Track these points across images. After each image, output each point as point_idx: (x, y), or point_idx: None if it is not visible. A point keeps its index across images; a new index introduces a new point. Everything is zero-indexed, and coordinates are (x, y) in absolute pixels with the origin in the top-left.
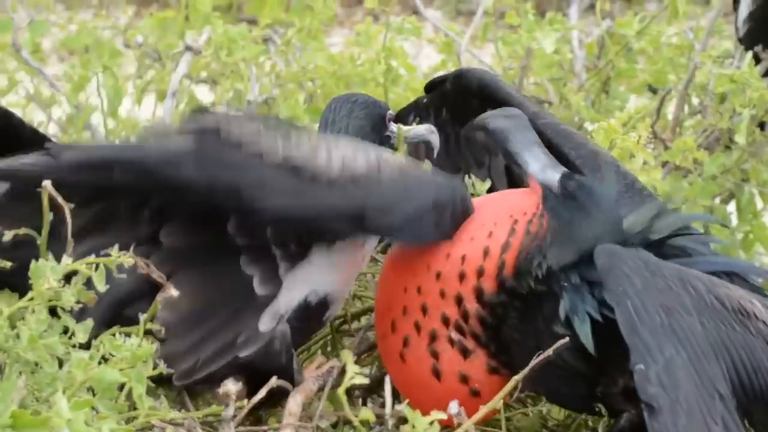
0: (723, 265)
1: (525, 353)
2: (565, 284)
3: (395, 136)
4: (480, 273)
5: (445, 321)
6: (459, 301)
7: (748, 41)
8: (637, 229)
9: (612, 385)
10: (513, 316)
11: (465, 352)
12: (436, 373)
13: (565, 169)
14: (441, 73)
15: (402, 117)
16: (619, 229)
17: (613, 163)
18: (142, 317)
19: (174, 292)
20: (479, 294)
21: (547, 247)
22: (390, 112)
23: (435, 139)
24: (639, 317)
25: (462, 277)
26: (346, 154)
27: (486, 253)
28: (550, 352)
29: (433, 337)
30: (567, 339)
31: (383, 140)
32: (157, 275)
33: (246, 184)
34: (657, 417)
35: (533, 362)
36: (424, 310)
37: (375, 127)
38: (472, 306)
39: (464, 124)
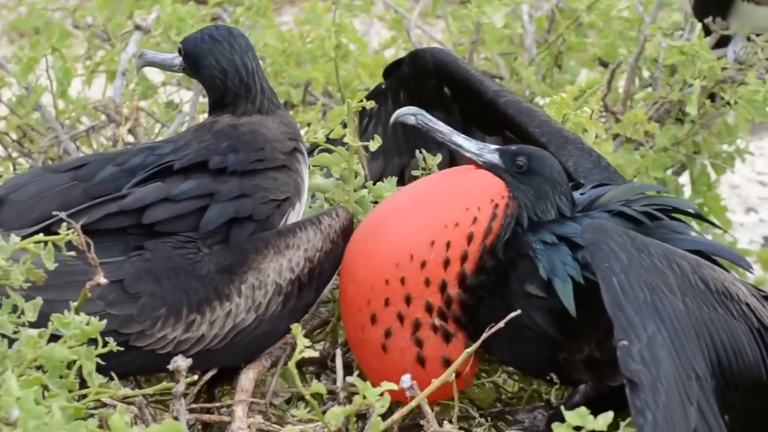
0: (707, 247)
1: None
2: (537, 246)
3: None
4: (464, 258)
5: (429, 309)
6: (443, 287)
7: (697, 9)
8: (615, 204)
9: (576, 353)
10: (488, 294)
11: (447, 337)
12: (421, 361)
13: (495, 146)
14: (392, 49)
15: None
16: (565, 178)
17: (577, 140)
18: (73, 304)
19: (103, 280)
20: (462, 279)
21: (522, 219)
22: None
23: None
24: (624, 294)
25: (447, 263)
26: None
27: (470, 238)
28: (510, 317)
29: (416, 326)
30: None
31: None
32: (91, 258)
33: None
34: (638, 393)
35: (500, 323)
36: (407, 301)
37: None
38: (454, 291)
39: (422, 106)
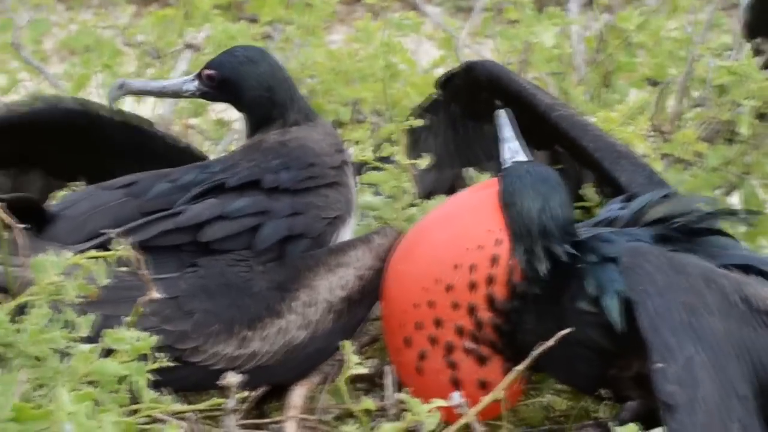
0: (752, 260)
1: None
2: (582, 266)
3: None
4: (490, 281)
5: (460, 332)
6: (472, 311)
7: (747, 32)
8: (657, 217)
9: (625, 369)
10: (528, 320)
11: (482, 360)
12: (456, 383)
13: (523, 159)
14: (441, 69)
15: (417, 114)
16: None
17: (631, 155)
18: (125, 319)
19: (156, 294)
20: (491, 302)
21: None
22: None
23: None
24: (659, 316)
25: (473, 286)
26: None
27: (495, 260)
28: (561, 334)
29: (449, 349)
30: (571, 330)
31: None
32: (143, 274)
33: None
34: (674, 415)
35: (550, 341)
36: (437, 324)
37: None
38: (485, 315)
39: (474, 118)
